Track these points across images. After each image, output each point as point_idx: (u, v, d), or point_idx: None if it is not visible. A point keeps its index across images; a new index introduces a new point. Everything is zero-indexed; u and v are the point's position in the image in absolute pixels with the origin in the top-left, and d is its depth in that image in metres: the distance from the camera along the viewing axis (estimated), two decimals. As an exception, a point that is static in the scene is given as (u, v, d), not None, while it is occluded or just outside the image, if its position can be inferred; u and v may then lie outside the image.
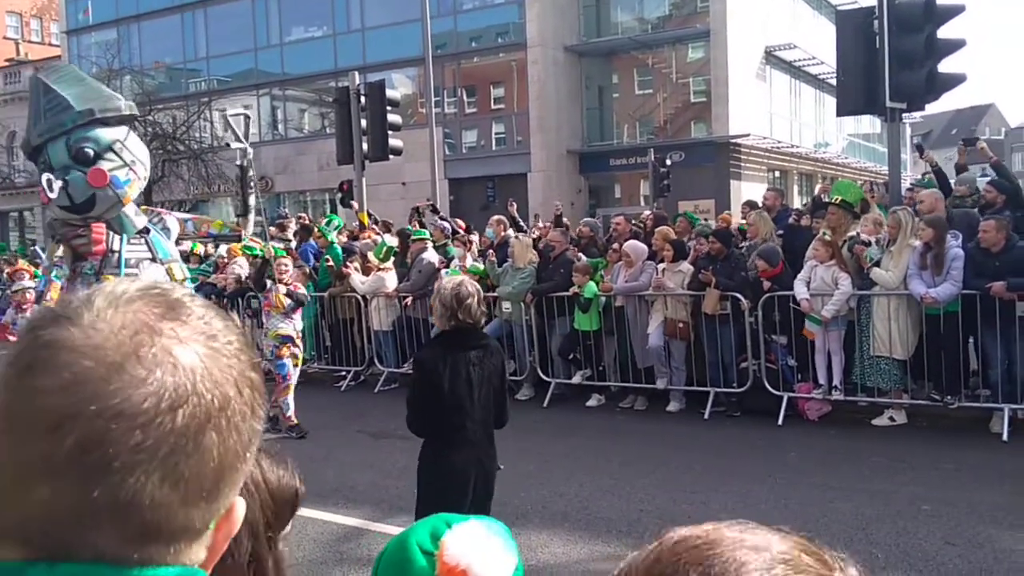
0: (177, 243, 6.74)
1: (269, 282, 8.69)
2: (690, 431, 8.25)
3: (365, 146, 13.51)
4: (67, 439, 0.63)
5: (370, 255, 10.95)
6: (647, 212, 12.78)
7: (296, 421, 8.37)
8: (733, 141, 26.45)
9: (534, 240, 10.48)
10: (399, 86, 25.39)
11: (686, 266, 8.81)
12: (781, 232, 9.32)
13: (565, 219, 11.62)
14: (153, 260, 6.36)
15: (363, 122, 13.48)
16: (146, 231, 6.45)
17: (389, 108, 13.48)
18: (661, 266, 8.89)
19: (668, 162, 20.72)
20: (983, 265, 7.37)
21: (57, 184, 5.93)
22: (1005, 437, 7.25)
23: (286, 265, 8.80)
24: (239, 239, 8.24)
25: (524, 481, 6.71)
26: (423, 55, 18.20)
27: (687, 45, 27.94)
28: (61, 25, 37.10)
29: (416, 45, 21.35)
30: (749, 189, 25.21)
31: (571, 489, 6.54)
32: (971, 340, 7.85)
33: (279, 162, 29.77)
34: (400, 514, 5.53)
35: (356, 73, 14.52)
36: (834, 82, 11.49)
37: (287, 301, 8.42)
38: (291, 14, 30.72)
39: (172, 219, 6.90)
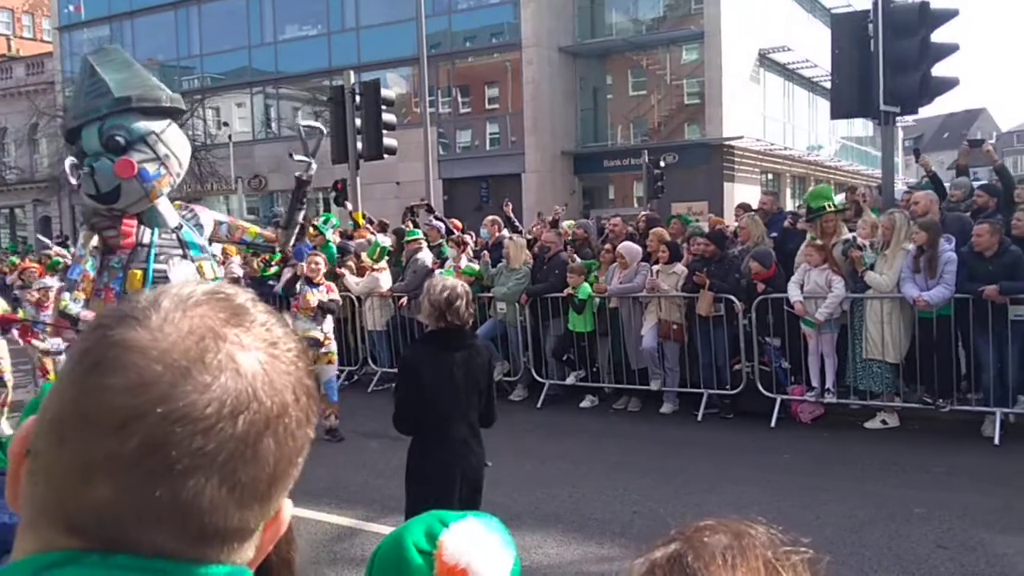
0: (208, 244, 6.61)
1: (299, 283, 8.49)
2: (683, 433, 8.26)
3: (360, 145, 13.49)
4: (132, 439, 0.65)
5: (363, 255, 10.93)
6: (642, 213, 12.77)
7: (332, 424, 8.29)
8: (727, 143, 26.51)
9: (529, 241, 10.48)
10: (393, 85, 25.40)
11: (680, 268, 8.82)
12: (775, 235, 9.33)
13: (562, 222, 11.60)
14: (184, 257, 6.14)
15: (358, 121, 13.47)
16: (179, 227, 6.24)
17: (384, 107, 13.46)
18: (655, 268, 8.90)
19: (662, 164, 20.77)
20: (976, 269, 7.39)
21: (80, 170, 5.79)
22: (997, 441, 7.27)
23: (317, 264, 8.44)
24: (273, 250, 7.88)
25: (517, 482, 6.71)
26: (418, 54, 18.19)
27: (681, 47, 28.01)
28: (53, 21, 36.97)
29: (411, 44, 21.33)
30: (742, 191, 25.27)
31: (564, 491, 6.54)
32: (963, 344, 7.87)
33: (272, 160, 29.70)
34: (393, 514, 5.52)
35: (351, 72, 14.50)
36: (827, 85, 11.57)
37: (321, 300, 8.15)
38: (285, 12, 30.67)
39: (206, 215, 6.68)
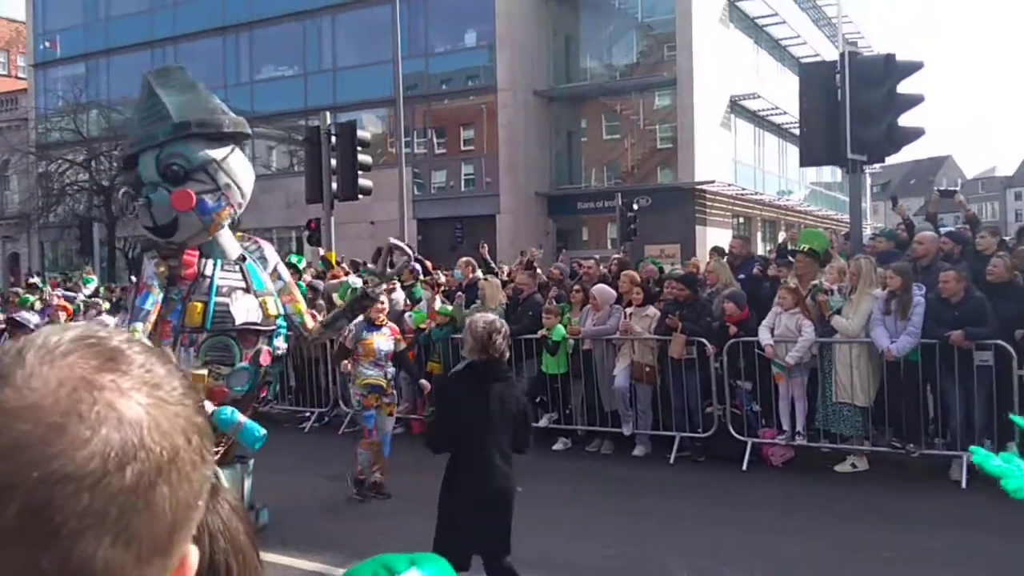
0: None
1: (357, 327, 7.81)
2: (656, 475, 8.26)
3: (334, 185, 13.53)
4: (9, 508, 0.59)
5: (335, 296, 10.89)
6: (613, 256, 12.87)
7: (363, 477, 7.52)
8: (698, 187, 26.85)
9: (503, 282, 10.52)
10: (369, 126, 25.52)
11: (653, 310, 8.89)
12: (742, 276, 9.43)
13: (536, 263, 11.67)
14: (247, 291, 5.80)
15: (333, 162, 13.51)
16: (242, 259, 5.91)
17: (359, 148, 13.53)
18: (628, 310, 8.96)
19: (635, 206, 20.98)
20: (942, 314, 7.53)
21: (135, 201, 5.45)
22: (964, 484, 7.34)
23: (383, 305, 7.63)
24: (298, 337, 6.96)
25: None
26: (394, 96, 18.34)
27: (654, 93, 28.45)
28: (28, 58, 36.87)
29: (387, 86, 21.53)
30: (714, 235, 25.55)
31: (535, 535, 6.50)
32: (930, 388, 7.97)
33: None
34: (362, 559, 5.45)
35: (327, 112, 14.58)
36: (796, 131, 11.77)
37: (380, 345, 7.48)
38: (262, 53, 30.84)
39: (271, 251, 6.32)
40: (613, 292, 9.23)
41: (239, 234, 6.16)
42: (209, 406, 5.11)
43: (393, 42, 18.25)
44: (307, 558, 6.01)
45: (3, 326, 9.08)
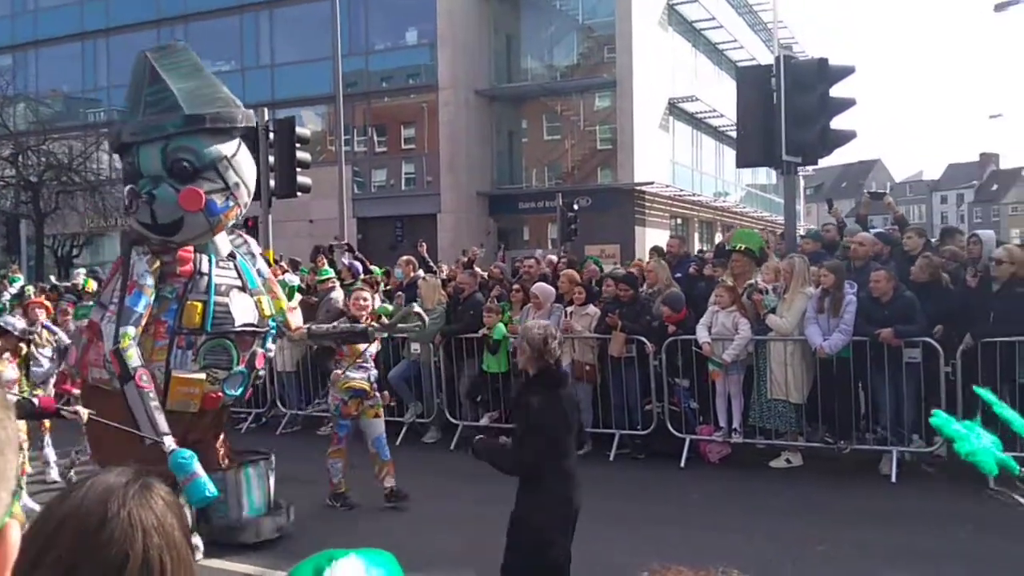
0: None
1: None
2: (596, 473, 8.28)
3: (272, 183, 13.30)
4: None
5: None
6: (548, 256, 12.88)
7: (344, 489, 7.14)
8: (637, 188, 27.14)
9: (443, 281, 10.48)
10: (308, 123, 25.21)
11: (593, 309, 8.95)
12: (679, 275, 9.56)
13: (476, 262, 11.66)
14: (242, 289, 5.53)
15: (271, 158, 13.29)
16: (232, 255, 5.63)
17: (298, 145, 13.33)
18: (569, 309, 9.01)
19: (575, 207, 21.09)
20: (873, 313, 7.73)
21: (139, 199, 5.05)
22: (894, 479, 7.55)
23: (365, 301, 7.22)
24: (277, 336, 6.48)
25: (429, 526, 6.64)
26: (333, 93, 18.13)
27: (594, 94, 28.68)
28: (-49, 48, 35.51)
29: (326, 83, 21.25)
30: (653, 235, 25.87)
31: (477, 533, 6.49)
32: (861, 385, 8.18)
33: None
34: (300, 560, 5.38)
35: (265, 109, 14.34)
36: (733, 134, 12.02)
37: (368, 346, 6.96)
38: (198, 47, 29.54)
39: (254, 243, 6.02)
40: (554, 291, 9.26)
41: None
42: (170, 443, 4.82)
43: (333, 38, 18.04)
44: (243, 561, 5.90)
45: None
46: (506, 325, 9.12)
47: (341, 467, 7.14)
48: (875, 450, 8.01)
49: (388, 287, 11.02)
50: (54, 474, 8.08)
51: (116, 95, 31.81)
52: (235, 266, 5.58)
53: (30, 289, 12.48)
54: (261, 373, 5.98)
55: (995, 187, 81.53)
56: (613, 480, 8.05)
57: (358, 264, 11.75)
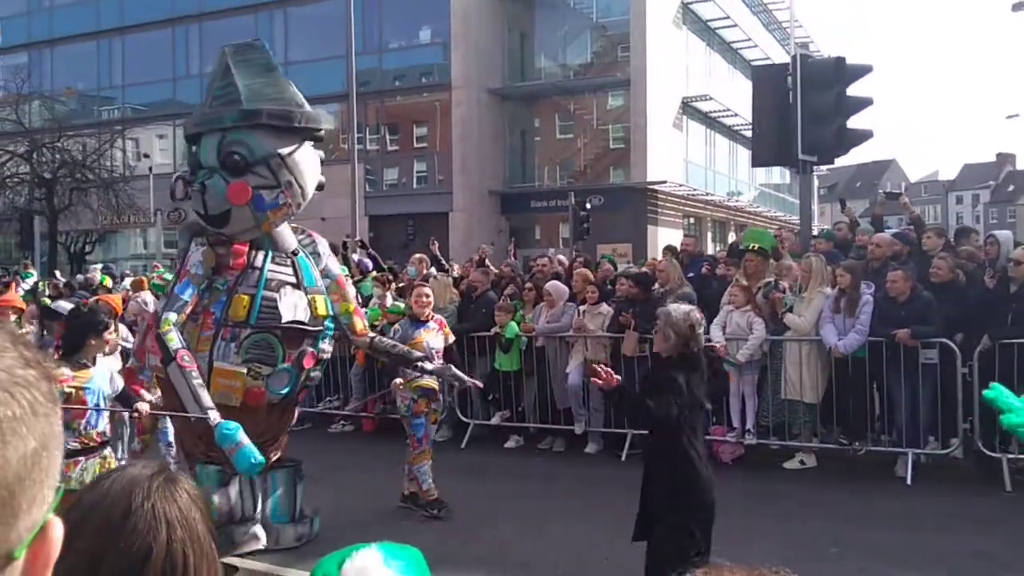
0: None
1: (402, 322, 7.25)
2: (608, 473, 8.27)
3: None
4: None
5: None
6: (557, 255, 12.81)
7: (435, 495, 6.78)
8: (650, 187, 27.06)
9: (455, 279, 10.45)
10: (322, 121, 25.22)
11: (606, 308, 8.91)
12: (691, 275, 9.50)
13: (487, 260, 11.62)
14: (296, 286, 5.47)
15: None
16: (294, 253, 5.58)
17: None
18: (582, 308, 8.97)
19: (588, 206, 21.04)
20: (889, 313, 7.65)
21: (190, 187, 5.10)
22: (909, 481, 7.48)
23: (427, 298, 6.95)
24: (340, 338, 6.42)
25: (441, 523, 6.62)
26: (347, 91, 18.14)
27: (607, 93, 28.61)
28: (-33, 46, 35.77)
29: (340, 81, 21.29)
30: (665, 234, 25.78)
31: (488, 532, 6.47)
32: (877, 386, 8.11)
33: (194, 194, 29.10)
34: (307, 558, 5.37)
35: (278, 107, 14.34)
36: (747, 133, 11.98)
37: (430, 342, 6.71)
38: (212, 46, 30.21)
39: (324, 243, 5.95)
40: (567, 289, 9.23)
41: (293, 226, 5.82)
42: (215, 416, 4.84)
43: (346, 37, 18.07)
44: (251, 557, 5.90)
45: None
46: (519, 324, 9.09)
47: (428, 470, 6.81)
48: (890, 452, 7.94)
49: (402, 284, 11.00)
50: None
51: (130, 93, 32.00)
52: (293, 263, 5.54)
53: (43, 284, 12.52)
54: (313, 374, 5.88)
55: (1011, 188, 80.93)
56: (625, 480, 7.98)
57: (367, 261, 11.73)
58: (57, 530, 0.70)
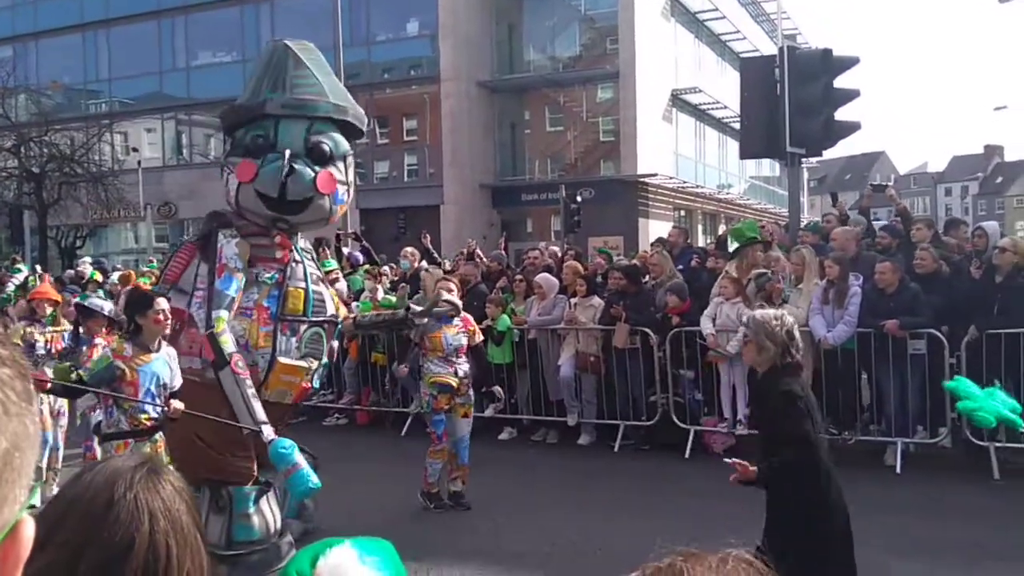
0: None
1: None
2: (600, 464, 8.33)
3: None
4: None
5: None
6: (549, 247, 12.82)
7: (436, 489, 6.92)
8: (641, 180, 27.09)
9: (446, 273, 10.45)
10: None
11: (597, 301, 8.95)
12: (680, 268, 9.55)
13: (479, 252, 11.62)
14: (323, 281, 5.45)
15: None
16: (304, 249, 5.54)
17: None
18: (573, 300, 9.01)
19: (579, 198, 21.07)
20: (878, 304, 7.72)
21: (284, 169, 4.93)
22: (898, 470, 7.56)
23: (451, 291, 6.93)
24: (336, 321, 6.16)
25: (435, 515, 6.66)
26: (336, 85, 18.08)
27: (597, 85, 28.60)
28: (-48, 40, 35.47)
29: (329, 74, 21.22)
30: (656, 227, 25.83)
31: (482, 523, 6.52)
32: (865, 376, 8.18)
33: (184, 187, 29.02)
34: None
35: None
36: (736, 126, 12.01)
37: (448, 338, 6.76)
38: (198, 38, 30.18)
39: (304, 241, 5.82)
40: (557, 281, 9.27)
41: None
42: (269, 432, 4.66)
43: (334, 29, 18.03)
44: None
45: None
46: (510, 316, 9.12)
47: (440, 468, 6.88)
48: (880, 441, 8.02)
49: (395, 278, 11.02)
50: None
51: (117, 86, 31.80)
52: (313, 257, 5.54)
53: (32, 279, 12.47)
54: (327, 365, 5.93)
55: (1000, 179, 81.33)
56: (618, 471, 8.07)
57: (358, 254, 11.74)
58: (28, 529, 0.68)
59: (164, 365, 5.07)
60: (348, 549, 1.34)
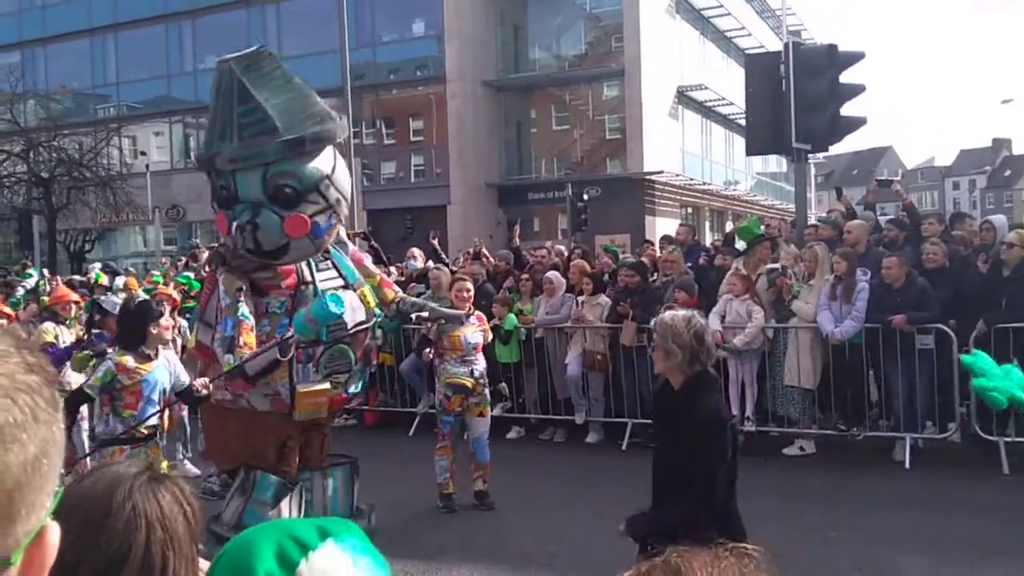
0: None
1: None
2: (608, 462, 8.33)
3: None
4: None
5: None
6: (556, 245, 12.82)
7: (446, 490, 6.91)
8: (647, 177, 27.07)
9: (452, 273, 10.45)
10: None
11: (604, 299, 8.95)
12: (689, 265, 9.54)
13: (485, 251, 11.63)
14: (346, 287, 5.30)
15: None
16: (326, 251, 5.38)
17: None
18: (580, 299, 9.01)
19: (585, 197, 21.07)
20: (885, 299, 7.70)
21: (244, 232, 4.84)
22: (907, 465, 7.54)
23: (469, 291, 6.90)
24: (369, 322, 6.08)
25: (443, 515, 6.67)
26: (342, 85, 18.14)
27: (602, 83, 28.60)
28: (-40, 46, 35.65)
29: (334, 75, 21.24)
30: (663, 224, 25.81)
31: (490, 522, 6.53)
32: (874, 371, 8.16)
33: (192, 191, 29.07)
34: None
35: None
36: (743, 122, 11.99)
37: (467, 338, 6.71)
38: (205, 42, 30.27)
39: (342, 229, 5.68)
40: (564, 280, 9.28)
41: None
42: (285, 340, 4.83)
43: (340, 31, 18.04)
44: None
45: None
46: (517, 315, 9.13)
47: (446, 465, 6.84)
48: (888, 437, 8.00)
49: (402, 278, 11.03)
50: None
51: (125, 90, 31.95)
52: (333, 264, 5.38)
53: (42, 283, 12.54)
54: (374, 363, 5.88)
55: (1008, 173, 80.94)
56: (626, 469, 8.05)
57: (367, 256, 11.72)
58: (54, 535, 0.70)
59: (164, 371, 5.23)
60: (332, 548, 1.09)
